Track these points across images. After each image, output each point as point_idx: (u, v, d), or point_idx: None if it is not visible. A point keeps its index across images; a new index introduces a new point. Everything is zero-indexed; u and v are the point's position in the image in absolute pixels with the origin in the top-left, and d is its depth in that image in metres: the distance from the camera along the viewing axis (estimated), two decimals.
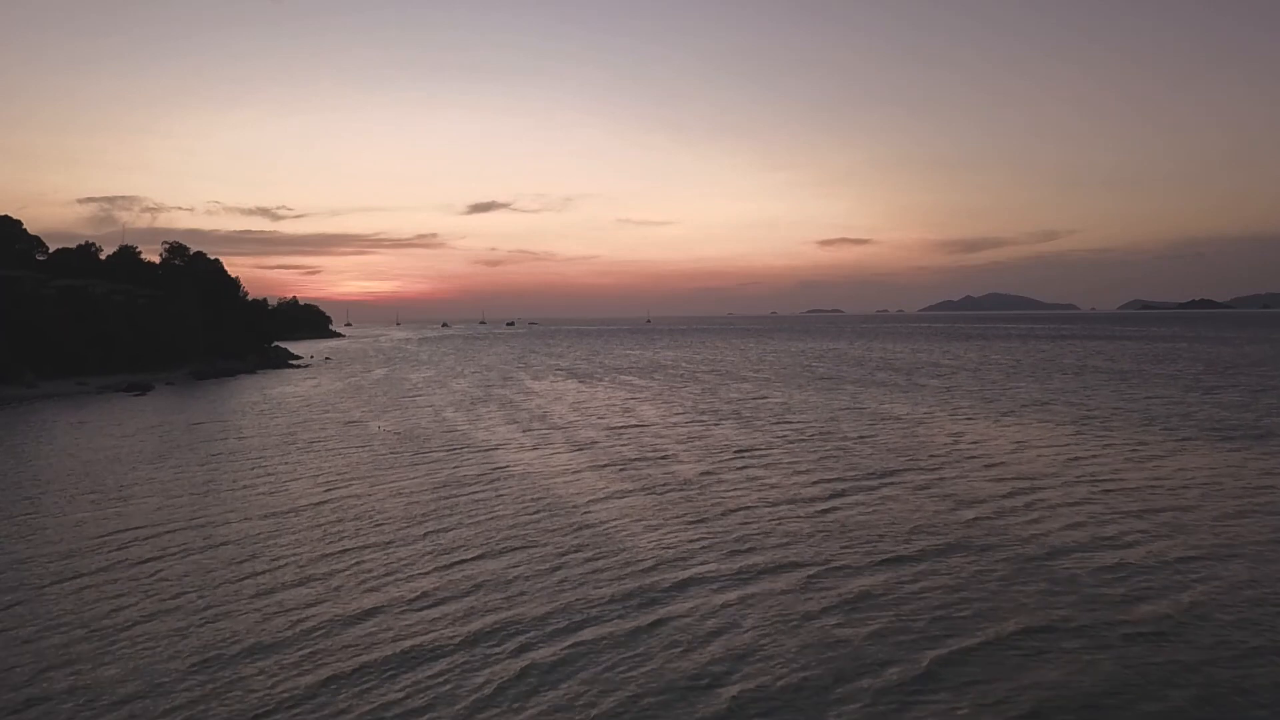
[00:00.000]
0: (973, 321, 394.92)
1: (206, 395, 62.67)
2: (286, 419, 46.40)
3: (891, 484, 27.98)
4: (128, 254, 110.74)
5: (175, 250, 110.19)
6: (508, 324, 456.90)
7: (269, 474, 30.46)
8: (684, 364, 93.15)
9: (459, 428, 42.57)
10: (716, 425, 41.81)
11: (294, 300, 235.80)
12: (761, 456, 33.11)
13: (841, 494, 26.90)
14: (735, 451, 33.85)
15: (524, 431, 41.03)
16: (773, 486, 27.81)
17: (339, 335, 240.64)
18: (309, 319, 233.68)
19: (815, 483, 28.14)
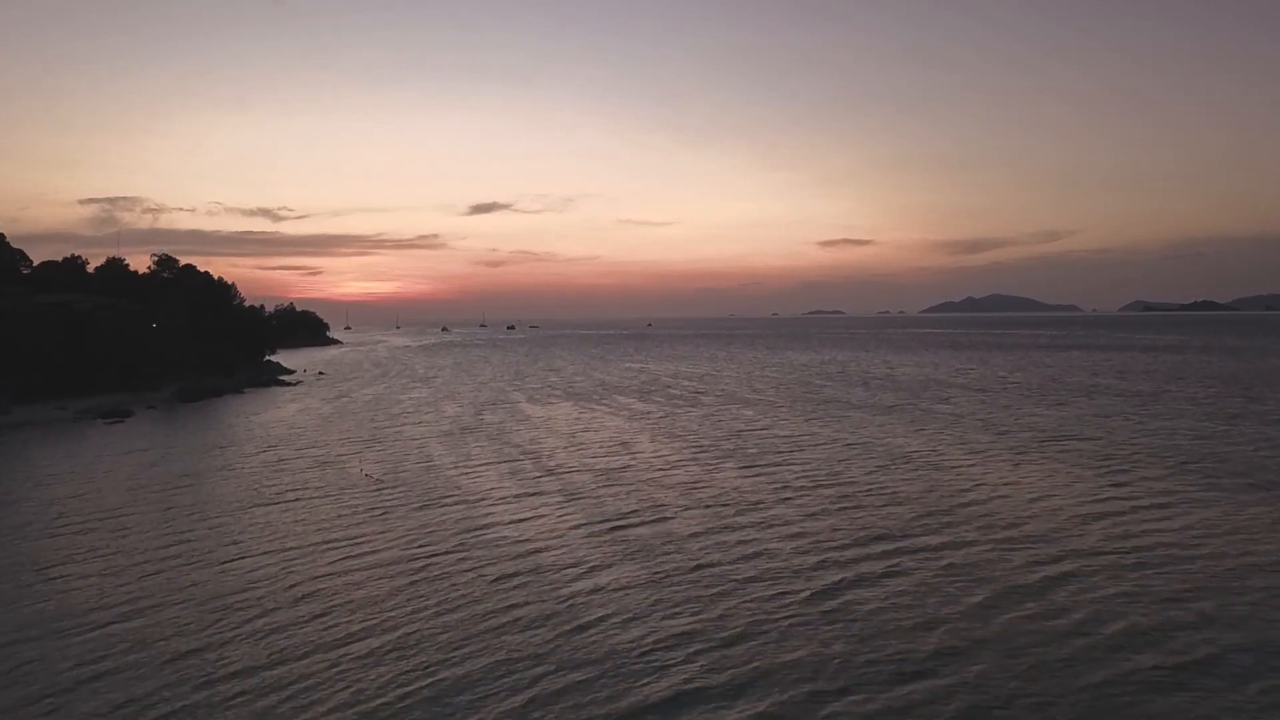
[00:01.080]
0: (974, 326, 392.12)
1: (185, 424, 60.37)
2: (262, 459, 44.04)
3: (904, 553, 25.59)
4: (116, 266, 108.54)
5: (164, 262, 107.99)
6: (508, 328, 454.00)
7: (227, 539, 28.08)
8: (684, 381, 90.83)
9: (444, 469, 40.21)
10: (717, 468, 39.41)
11: (291, 306, 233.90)
12: (763, 513, 30.71)
13: (849, 565, 24.57)
14: (736, 509, 31.42)
15: (511, 475, 38.66)
16: (773, 556, 25.43)
17: (336, 342, 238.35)
18: (306, 325, 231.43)
19: (821, 551, 25.74)
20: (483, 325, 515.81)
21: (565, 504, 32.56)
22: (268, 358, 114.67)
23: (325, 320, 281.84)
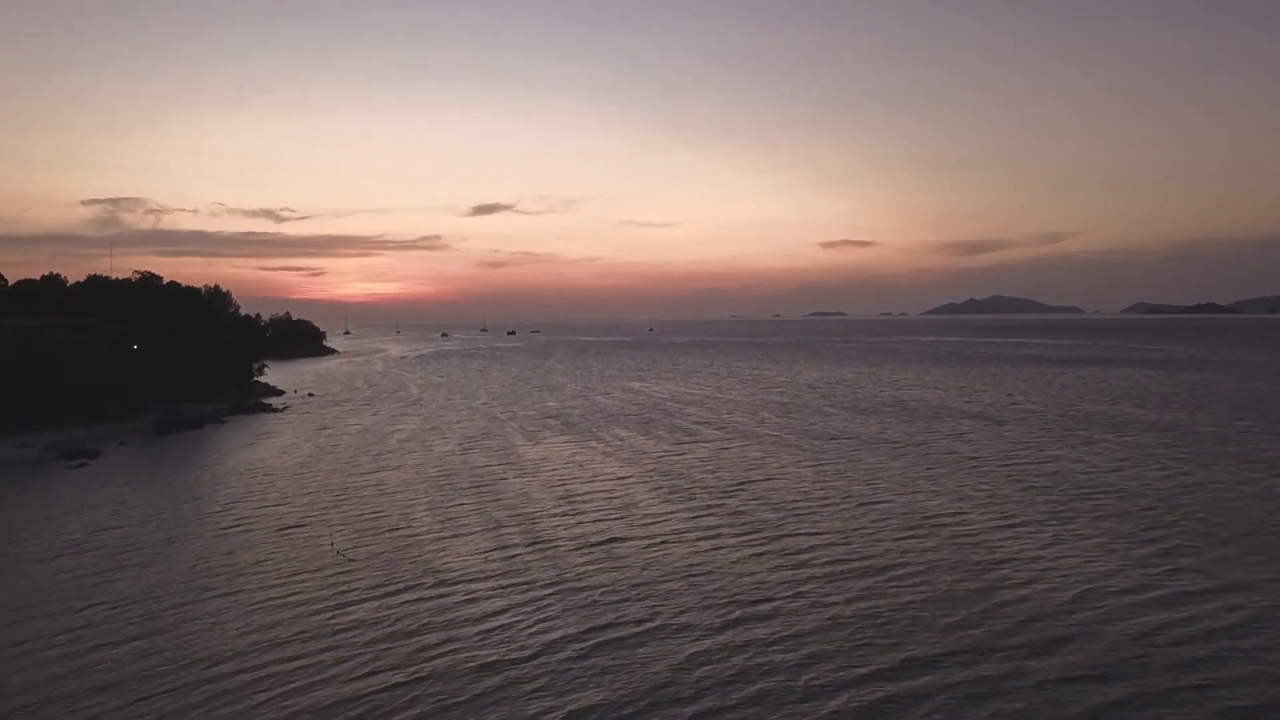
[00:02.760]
0: (977, 331, 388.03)
1: (151, 469, 56.72)
2: (223, 521, 40.41)
3: (931, 668, 22.16)
4: (98, 282, 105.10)
5: (147, 280, 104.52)
6: (509, 333, 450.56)
7: (153, 649, 24.40)
8: (687, 409, 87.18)
9: (421, 539, 36.58)
10: (720, 540, 35.75)
11: (287, 315, 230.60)
12: (770, 606, 27.14)
13: (869, 691, 21.04)
14: (741, 604, 27.73)
15: (493, 548, 35.03)
16: (781, 675, 21.82)
17: (333, 352, 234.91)
18: (301, 334, 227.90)
19: (837, 670, 22.10)
20: (483, 330, 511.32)
21: (549, 596, 28.88)
22: (256, 378, 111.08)
23: (325, 323, 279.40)
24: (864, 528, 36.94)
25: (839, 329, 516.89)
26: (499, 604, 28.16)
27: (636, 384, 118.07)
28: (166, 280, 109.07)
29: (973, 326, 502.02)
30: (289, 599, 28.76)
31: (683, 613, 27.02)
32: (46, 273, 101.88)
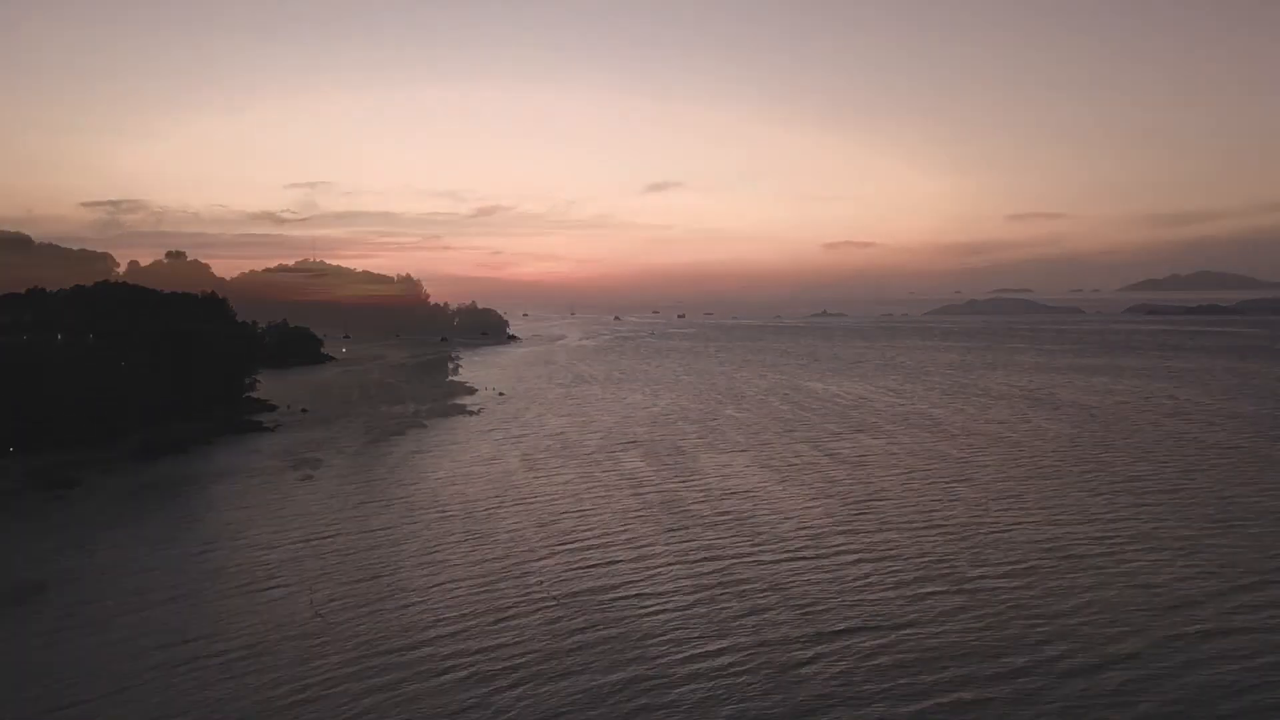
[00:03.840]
0: (981, 337, 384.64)
1: (131, 499, 54.71)
2: (192, 570, 38.29)
3: None
4: (87, 294, 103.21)
5: (137, 293, 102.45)
6: (509, 337, 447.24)
7: None
8: (688, 426, 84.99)
9: (406, 591, 34.48)
10: (719, 585, 33.66)
11: (284, 323, 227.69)
12: (771, 673, 24.90)
13: None
14: (747, 691, 25.53)
15: (481, 594, 33.01)
16: None
17: (331, 359, 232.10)
18: (300, 343, 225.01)
19: None
20: (484, 334, 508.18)
21: (535, 669, 26.70)
22: (248, 393, 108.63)
23: (325, 326, 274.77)
24: (873, 579, 34.69)
25: (845, 331, 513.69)
26: (478, 672, 26.03)
27: (639, 396, 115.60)
28: (165, 286, 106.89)
29: (974, 330, 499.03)
30: (251, 674, 26.61)
31: (677, 712, 24.82)
32: (34, 285, 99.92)
